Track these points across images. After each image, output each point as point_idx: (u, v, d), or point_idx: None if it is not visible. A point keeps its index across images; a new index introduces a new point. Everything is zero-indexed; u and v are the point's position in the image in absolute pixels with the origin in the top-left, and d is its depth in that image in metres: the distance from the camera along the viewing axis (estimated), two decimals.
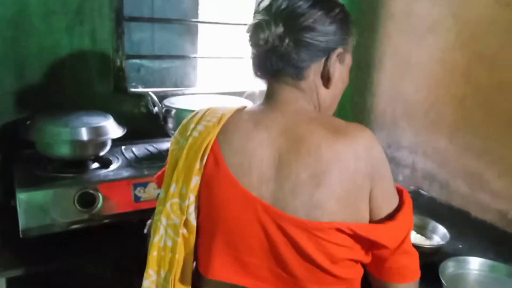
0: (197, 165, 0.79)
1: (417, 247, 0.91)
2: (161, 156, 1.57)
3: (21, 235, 1.20)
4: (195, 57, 1.97)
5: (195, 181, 0.80)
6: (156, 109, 1.58)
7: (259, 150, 0.77)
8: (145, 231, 1.01)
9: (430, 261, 1.10)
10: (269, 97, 0.83)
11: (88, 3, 1.57)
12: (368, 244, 0.78)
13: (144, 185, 1.35)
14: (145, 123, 1.67)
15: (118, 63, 1.69)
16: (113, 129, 1.43)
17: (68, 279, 1.25)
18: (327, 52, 0.79)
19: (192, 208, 0.81)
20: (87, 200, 1.27)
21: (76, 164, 1.39)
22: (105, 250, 1.35)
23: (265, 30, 0.75)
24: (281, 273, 0.77)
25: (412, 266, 0.84)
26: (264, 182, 0.76)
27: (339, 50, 0.80)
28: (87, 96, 1.63)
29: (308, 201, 0.73)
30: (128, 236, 1.40)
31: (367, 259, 0.81)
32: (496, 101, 1.47)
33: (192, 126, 0.83)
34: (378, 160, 0.76)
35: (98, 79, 1.66)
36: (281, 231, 0.74)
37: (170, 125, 1.57)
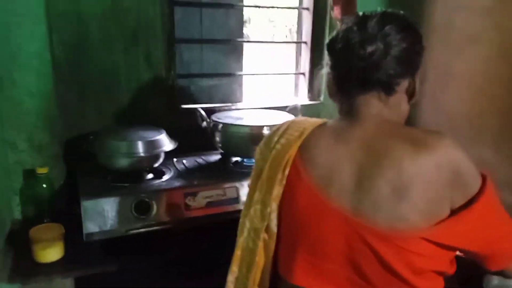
0: (279, 176, 0.86)
1: (461, 258, 0.90)
2: (209, 167, 1.67)
3: (84, 239, 1.32)
4: (240, 74, 2.07)
5: (277, 191, 0.87)
6: (204, 123, 1.68)
7: (340, 163, 0.81)
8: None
9: (475, 273, 1.10)
10: (351, 111, 0.86)
11: (143, 27, 1.71)
12: (452, 252, 0.80)
13: (194, 194, 1.45)
14: (195, 137, 1.77)
15: (170, 82, 1.82)
16: (166, 142, 1.54)
17: (126, 279, 1.36)
18: (415, 70, 0.85)
19: (273, 216, 0.88)
20: (142, 208, 1.38)
21: (133, 174, 1.51)
22: (158, 254, 1.45)
23: (370, 45, 0.79)
24: (359, 281, 0.80)
25: None
26: (345, 195, 0.80)
27: (420, 68, 0.86)
28: (142, 113, 1.77)
29: (391, 214, 0.76)
30: (179, 241, 1.50)
31: (451, 269, 0.82)
32: None
33: (275, 139, 0.91)
34: (459, 164, 0.77)
35: (152, 96, 1.79)
36: (363, 241, 0.77)
37: (217, 138, 1.67)
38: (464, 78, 1.74)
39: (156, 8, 1.70)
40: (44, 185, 1.48)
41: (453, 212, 0.77)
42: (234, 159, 1.74)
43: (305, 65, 2.11)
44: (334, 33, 0.88)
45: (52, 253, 1.28)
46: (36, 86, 1.49)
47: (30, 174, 1.51)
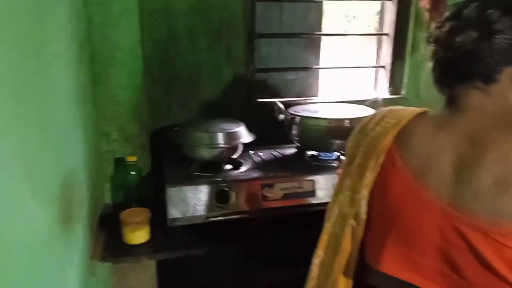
0: (372, 163, 0.87)
1: None
2: (285, 160, 1.69)
3: (168, 224, 1.41)
4: (317, 68, 2.06)
5: (369, 177, 0.87)
6: (281, 116, 1.71)
7: (439, 154, 0.80)
8: None
9: None
10: (452, 102, 0.83)
11: (226, 24, 1.76)
12: None
13: (271, 186, 1.48)
14: (271, 130, 1.80)
15: (249, 76, 1.86)
16: (244, 134, 1.59)
17: (205, 263, 1.42)
18: None
19: (363, 202, 0.89)
20: (222, 197, 1.43)
21: (214, 165, 1.58)
22: (236, 243, 1.50)
23: (459, 35, 0.77)
24: (453, 275, 0.78)
25: None
26: (443, 185, 0.78)
27: None
28: (222, 106, 1.83)
29: (492, 207, 0.73)
30: (257, 232, 1.54)
31: None
32: None
33: (371, 126, 0.91)
34: None
35: (232, 90, 1.85)
36: (459, 234, 0.75)
37: (294, 131, 1.68)
38: None
39: (239, 4, 1.75)
40: (133, 173, 1.60)
41: None
42: (310, 152, 1.74)
43: (386, 58, 2.05)
44: (436, 22, 0.85)
45: (140, 236, 1.39)
46: (127, 80, 1.61)
47: (120, 163, 1.63)
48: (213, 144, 1.53)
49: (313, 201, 1.51)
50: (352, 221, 0.91)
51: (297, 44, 2.05)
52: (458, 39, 0.77)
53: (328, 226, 0.96)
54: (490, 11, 0.75)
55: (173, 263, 1.42)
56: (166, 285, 1.48)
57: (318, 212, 1.50)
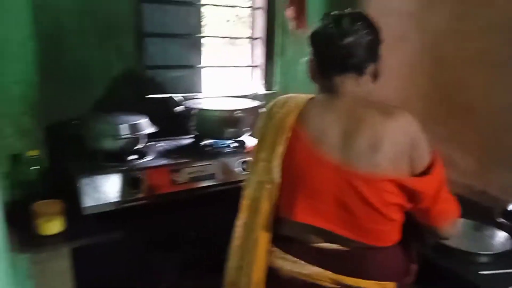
0: (281, 138, 1.09)
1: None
2: (185, 149, 1.87)
3: (83, 213, 1.45)
4: (200, 67, 2.26)
5: (279, 149, 1.10)
6: (178, 109, 1.86)
7: (329, 127, 1.06)
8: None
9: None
10: (332, 89, 1.11)
11: (115, 22, 1.84)
12: (409, 193, 1.05)
13: (178, 170, 1.63)
14: (167, 123, 1.92)
15: (140, 72, 1.97)
16: (147, 126, 1.71)
17: (119, 249, 1.50)
18: (378, 57, 1.11)
19: (276, 170, 1.10)
20: (134, 183, 1.53)
21: (119, 155, 1.65)
22: (149, 226, 1.61)
23: (344, 39, 1.05)
24: (345, 215, 1.05)
25: (451, 208, 1.11)
26: (334, 150, 1.05)
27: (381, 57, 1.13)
28: (115, 101, 1.89)
29: (368, 162, 1.02)
30: (168, 216, 1.67)
31: (408, 205, 1.07)
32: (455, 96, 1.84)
33: (275, 110, 1.15)
34: (415, 133, 1.05)
35: (124, 86, 1.92)
36: (349, 184, 1.03)
37: (191, 123, 1.86)
38: (395, 70, 2.10)
39: (126, 5, 1.85)
40: (32, 168, 1.57)
41: (413, 172, 1.06)
42: (207, 141, 1.94)
43: (259, 59, 2.37)
44: (314, 29, 1.14)
45: (54, 226, 1.40)
46: (21, 74, 1.57)
47: (17, 158, 1.58)
48: (118, 135, 1.61)
49: (214, 182, 1.72)
50: (268, 186, 1.13)
51: (181, 45, 2.22)
52: (346, 41, 1.06)
53: (248, 192, 1.16)
54: (358, 23, 1.07)
55: (90, 250, 1.46)
56: (84, 272, 1.51)
57: (218, 192, 1.73)
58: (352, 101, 1.10)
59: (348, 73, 1.10)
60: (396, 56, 2.08)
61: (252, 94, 2.12)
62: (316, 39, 1.13)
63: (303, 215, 1.08)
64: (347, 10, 1.12)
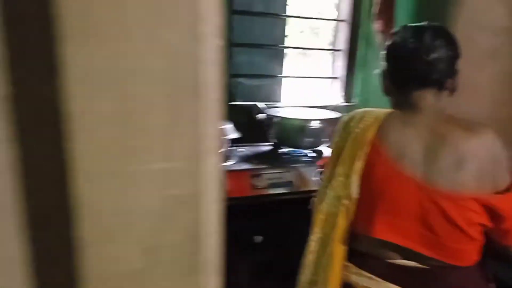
0: (360, 153, 1.09)
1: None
2: (264, 155, 1.93)
3: None
4: (282, 77, 2.32)
5: (358, 165, 1.10)
6: (260, 117, 1.93)
7: (410, 143, 1.06)
8: (309, 207, 1.27)
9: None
10: (410, 104, 1.09)
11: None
12: (492, 212, 1.03)
13: (258, 176, 1.70)
14: (247, 129, 2.00)
15: (227, 80, 2.07)
16: (230, 131, 1.79)
17: None
18: (456, 72, 1.10)
19: (354, 185, 1.10)
20: None
21: None
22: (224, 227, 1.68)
23: (430, 54, 1.05)
24: (427, 233, 1.04)
25: None
26: (416, 166, 1.04)
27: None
28: None
29: (452, 179, 1.01)
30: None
31: (490, 225, 1.05)
32: None
33: (353, 124, 1.15)
34: (498, 150, 1.03)
35: None
36: (432, 201, 1.01)
37: (272, 130, 1.92)
38: (483, 88, 2.02)
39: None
40: None
41: (495, 189, 1.03)
42: (285, 149, 1.99)
43: (340, 70, 2.38)
44: (391, 42, 1.13)
45: None
46: None
47: None
48: None
49: (291, 190, 1.76)
50: (345, 201, 1.12)
51: (265, 54, 2.30)
52: (431, 56, 1.05)
53: (323, 207, 1.16)
54: (440, 39, 1.06)
55: None
56: None
57: (293, 200, 1.77)
58: (433, 117, 1.08)
59: (429, 88, 1.09)
60: (486, 74, 1.99)
61: (332, 105, 2.14)
62: (395, 53, 1.11)
63: (383, 231, 1.08)
64: (426, 24, 1.11)
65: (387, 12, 2.04)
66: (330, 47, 2.45)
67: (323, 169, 1.27)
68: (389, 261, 1.10)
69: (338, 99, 2.39)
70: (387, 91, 1.17)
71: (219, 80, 0.27)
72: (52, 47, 0.23)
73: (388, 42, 1.14)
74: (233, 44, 2.07)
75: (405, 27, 1.12)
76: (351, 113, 1.21)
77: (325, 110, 2.06)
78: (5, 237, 0.26)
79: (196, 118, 0.27)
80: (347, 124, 1.18)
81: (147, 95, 0.25)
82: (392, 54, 1.12)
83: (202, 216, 0.28)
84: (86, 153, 0.24)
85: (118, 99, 0.24)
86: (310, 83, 2.56)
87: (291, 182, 1.76)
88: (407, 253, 1.08)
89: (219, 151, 0.28)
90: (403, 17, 2.14)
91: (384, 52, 1.15)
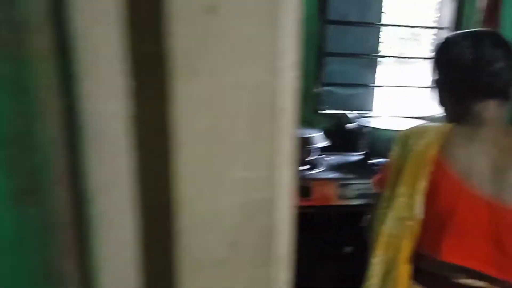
0: (422, 172, 1.04)
1: None
2: (353, 165, 1.93)
3: None
4: (375, 86, 2.30)
5: (422, 184, 1.04)
6: (350, 126, 1.94)
7: (477, 159, 1.01)
8: (362, 224, 1.27)
9: None
10: (471, 116, 1.04)
11: (302, 42, 2.01)
12: None
13: (346, 185, 1.71)
14: (337, 138, 2.02)
15: (318, 89, 2.11)
16: (319, 139, 1.83)
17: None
18: None
19: (419, 205, 1.05)
20: (304, 192, 1.66)
21: None
22: (310, 234, 1.72)
23: (495, 64, 1.00)
24: (498, 254, 0.99)
25: None
26: (485, 184, 0.99)
27: None
28: None
29: None
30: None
31: None
32: None
33: (412, 141, 1.09)
34: None
35: (303, 102, 2.09)
36: (503, 220, 0.97)
37: (362, 140, 1.92)
38: None
39: (315, 26, 2.00)
40: None
41: None
42: (375, 160, 1.97)
43: None
44: (444, 51, 1.08)
45: None
46: None
47: None
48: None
49: None
50: (409, 222, 1.06)
51: (358, 64, 2.30)
52: (497, 66, 1.00)
53: (385, 229, 1.09)
54: (501, 48, 1.01)
55: None
56: None
57: None
58: (496, 129, 1.02)
59: (493, 99, 1.03)
60: None
61: (430, 116, 2.06)
62: (454, 63, 1.05)
63: (451, 255, 1.03)
64: (479, 30, 1.05)
65: (492, 19, 1.92)
66: (431, 55, 2.36)
67: (377, 187, 1.21)
68: (456, 280, 1.05)
69: (433, 109, 2.29)
70: (443, 103, 1.12)
71: (293, 106, 0.32)
72: (165, 80, 0.30)
73: (440, 51, 1.09)
74: (325, 53, 2.10)
75: (457, 35, 1.07)
76: (408, 129, 1.15)
77: (421, 120, 2.00)
78: (125, 227, 0.34)
79: (272, 137, 0.32)
80: (405, 141, 1.11)
81: (233, 118, 0.31)
82: (450, 63, 1.06)
83: (275, 218, 0.34)
84: (186, 163, 0.31)
85: (211, 121, 0.31)
86: (406, 92, 2.49)
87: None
88: (475, 275, 1.03)
89: (293, 164, 0.33)
90: (509, 24, 2.00)
91: (438, 62, 1.09)
